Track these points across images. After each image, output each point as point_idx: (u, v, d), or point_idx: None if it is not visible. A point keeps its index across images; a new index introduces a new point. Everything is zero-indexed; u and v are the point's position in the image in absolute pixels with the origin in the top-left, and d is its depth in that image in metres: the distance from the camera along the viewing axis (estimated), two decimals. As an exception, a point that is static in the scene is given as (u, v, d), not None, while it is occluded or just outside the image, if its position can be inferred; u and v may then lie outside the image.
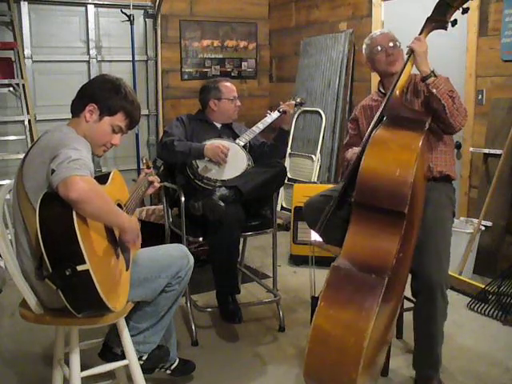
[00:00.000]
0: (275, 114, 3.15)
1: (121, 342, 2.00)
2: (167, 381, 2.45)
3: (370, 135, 2.15)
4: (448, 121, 2.26)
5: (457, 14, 2.31)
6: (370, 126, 2.25)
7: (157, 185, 2.31)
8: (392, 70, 2.42)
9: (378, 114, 2.25)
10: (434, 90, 2.23)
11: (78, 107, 1.97)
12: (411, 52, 2.28)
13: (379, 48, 2.45)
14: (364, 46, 2.56)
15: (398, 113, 2.18)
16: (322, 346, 1.89)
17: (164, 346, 2.26)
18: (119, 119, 1.98)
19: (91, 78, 4.83)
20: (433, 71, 2.26)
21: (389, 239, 1.97)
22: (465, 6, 2.27)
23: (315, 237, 2.36)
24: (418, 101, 2.43)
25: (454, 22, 2.30)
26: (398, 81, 2.27)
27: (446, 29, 2.32)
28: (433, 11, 2.31)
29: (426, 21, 2.31)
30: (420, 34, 2.31)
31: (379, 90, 2.58)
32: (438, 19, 2.29)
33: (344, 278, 1.95)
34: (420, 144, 2.02)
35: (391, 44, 2.45)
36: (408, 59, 2.29)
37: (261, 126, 3.14)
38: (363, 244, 2.01)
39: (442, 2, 2.28)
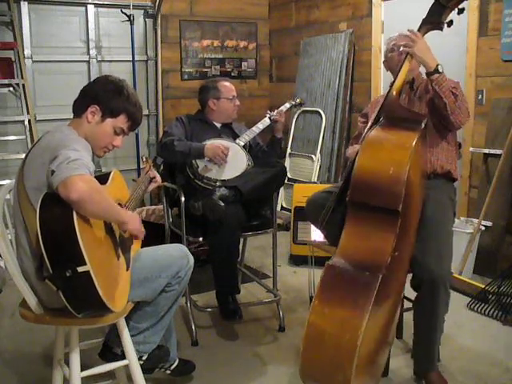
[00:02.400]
0: (266, 122, 3.13)
1: (121, 342, 2.00)
2: (167, 381, 2.45)
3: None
4: (448, 118, 2.27)
5: (452, 15, 2.30)
6: (367, 126, 2.26)
7: (158, 179, 2.31)
8: None
9: (374, 115, 2.27)
10: (437, 87, 2.24)
11: (80, 107, 1.97)
12: (406, 54, 2.30)
13: (394, 47, 2.52)
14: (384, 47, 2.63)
15: (394, 113, 2.20)
16: (316, 344, 1.89)
17: (164, 346, 2.26)
18: (121, 121, 1.99)
19: (91, 78, 4.84)
20: (437, 68, 2.25)
21: (383, 237, 1.98)
22: (460, 6, 2.28)
23: (315, 236, 2.36)
24: (426, 98, 2.44)
25: (450, 23, 2.31)
26: (394, 82, 2.29)
27: (441, 29, 2.32)
28: (428, 13, 2.31)
29: (422, 22, 2.32)
30: None
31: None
32: (433, 21, 2.30)
33: (338, 276, 1.96)
34: (414, 142, 2.03)
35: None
36: (404, 61, 2.30)
37: (260, 126, 3.14)
38: (358, 242, 2.02)
39: (436, 4, 2.28)
